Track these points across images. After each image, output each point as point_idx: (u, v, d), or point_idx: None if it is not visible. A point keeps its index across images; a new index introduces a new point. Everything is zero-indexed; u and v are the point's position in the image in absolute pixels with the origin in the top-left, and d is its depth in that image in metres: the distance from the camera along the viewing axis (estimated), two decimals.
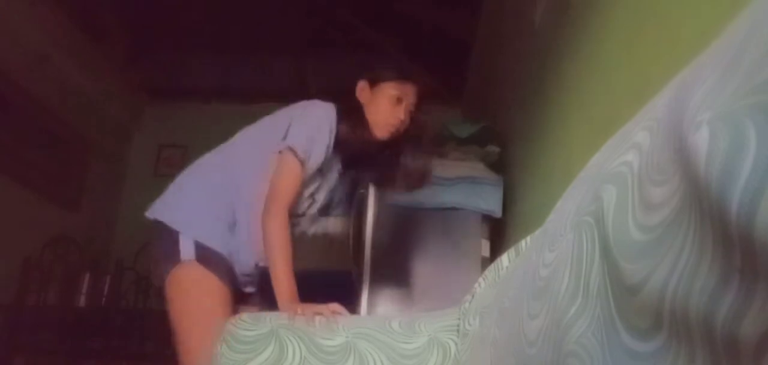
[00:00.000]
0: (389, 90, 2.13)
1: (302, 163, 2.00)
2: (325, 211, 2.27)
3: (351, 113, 2.14)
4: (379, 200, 2.53)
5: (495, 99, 3.28)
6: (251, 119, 2.42)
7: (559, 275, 0.68)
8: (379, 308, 2.40)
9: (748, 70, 0.40)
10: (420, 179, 2.23)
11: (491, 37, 3.50)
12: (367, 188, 2.57)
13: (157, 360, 4.06)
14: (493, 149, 2.70)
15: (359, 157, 2.19)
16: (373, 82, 2.17)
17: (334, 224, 4.74)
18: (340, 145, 2.10)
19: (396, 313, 2.34)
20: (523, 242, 1.19)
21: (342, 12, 3.97)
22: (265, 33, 4.24)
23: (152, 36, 4.45)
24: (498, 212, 2.48)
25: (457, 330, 1.40)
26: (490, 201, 2.49)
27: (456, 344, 1.39)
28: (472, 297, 1.37)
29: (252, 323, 1.45)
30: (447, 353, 1.38)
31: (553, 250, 0.74)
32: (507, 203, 2.51)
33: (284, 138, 2.02)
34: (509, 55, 2.88)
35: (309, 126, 2.04)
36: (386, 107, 2.13)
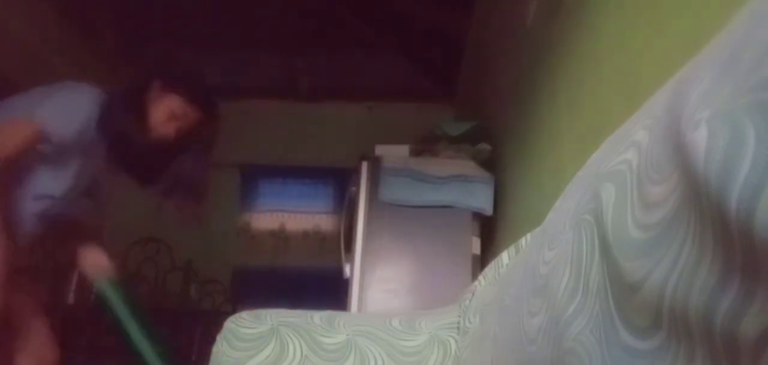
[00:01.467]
0: (171, 103, 2.11)
1: (43, 139, 1.97)
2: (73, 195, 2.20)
3: (129, 107, 2.11)
4: (370, 197, 2.52)
5: (487, 98, 3.28)
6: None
7: (559, 273, 0.68)
8: (370, 305, 2.40)
9: (746, 69, 0.41)
10: (194, 194, 2.22)
11: (484, 36, 3.50)
12: (357, 186, 2.57)
13: None
14: (485, 147, 2.70)
15: (125, 151, 2.14)
16: (165, 88, 2.13)
17: (325, 222, 4.74)
18: (104, 132, 2.08)
19: (386, 310, 2.33)
20: (522, 240, 1.20)
21: (340, 9, 3.95)
22: (257, 29, 4.22)
23: (143, 32, 4.41)
24: (489, 210, 2.49)
25: (458, 328, 1.40)
26: (481, 199, 2.49)
27: (456, 342, 1.39)
28: (473, 294, 1.37)
29: (253, 320, 1.44)
30: (447, 351, 1.39)
31: (552, 248, 0.74)
32: (498, 201, 2.52)
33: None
34: (501, 54, 2.88)
35: (61, 106, 2.03)
36: (158, 117, 2.10)
